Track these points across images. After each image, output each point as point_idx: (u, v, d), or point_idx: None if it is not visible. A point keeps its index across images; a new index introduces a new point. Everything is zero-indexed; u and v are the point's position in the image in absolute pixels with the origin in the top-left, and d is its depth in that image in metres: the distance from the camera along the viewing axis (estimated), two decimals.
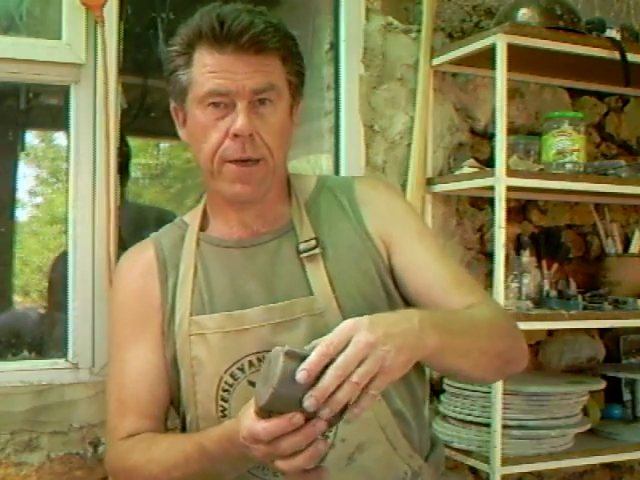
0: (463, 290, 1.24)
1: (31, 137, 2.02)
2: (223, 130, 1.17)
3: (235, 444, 0.98)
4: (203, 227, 1.31)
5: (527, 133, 2.18)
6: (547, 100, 2.26)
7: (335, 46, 2.03)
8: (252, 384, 1.16)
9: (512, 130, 2.08)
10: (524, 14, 1.93)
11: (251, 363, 1.19)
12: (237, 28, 1.14)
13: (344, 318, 1.14)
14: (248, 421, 0.93)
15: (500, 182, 1.79)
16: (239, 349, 1.20)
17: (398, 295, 1.26)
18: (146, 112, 2.12)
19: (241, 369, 1.20)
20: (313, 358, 0.88)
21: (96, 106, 1.71)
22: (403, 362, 0.92)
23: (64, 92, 1.75)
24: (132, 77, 1.93)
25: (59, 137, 2.00)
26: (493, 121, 1.91)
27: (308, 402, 0.87)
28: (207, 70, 1.17)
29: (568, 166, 1.92)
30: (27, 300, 2.06)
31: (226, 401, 1.20)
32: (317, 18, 2.10)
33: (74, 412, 1.70)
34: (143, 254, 1.32)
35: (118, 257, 1.74)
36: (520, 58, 1.88)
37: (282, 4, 2.21)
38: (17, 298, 2.04)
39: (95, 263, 1.71)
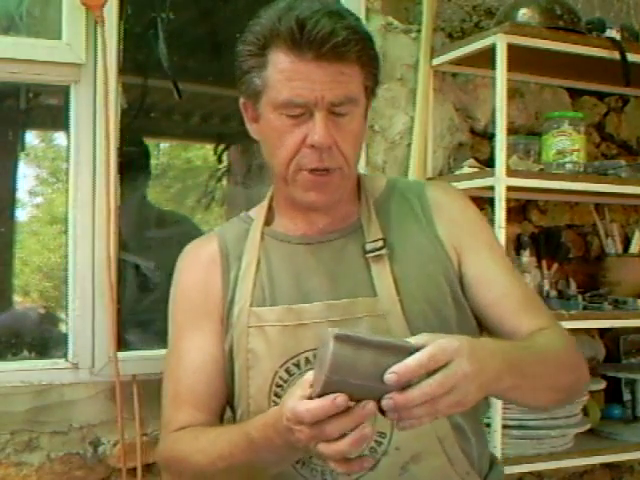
0: (531, 312, 1.21)
1: (31, 137, 2.02)
2: (300, 137, 1.14)
3: (279, 430, 0.97)
4: (268, 222, 1.29)
5: (527, 133, 2.18)
6: (547, 100, 2.26)
7: None
8: None
9: (512, 130, 2.08)
10: (524, 14, 1.93)
11: (307, 360, 1.17)
12: (318, 35, 1.09)
13: (407, 322, 1.15)
14: (292, 402, 0.92)
15: (500, 182, 1.79)
16: (297, 344, 1.17)
17: (467, 304, 1.23)
18: (146, 112, 2.12)
19: (297, 365, 1.17)
20: (411, 365, 0.86)
21: (96, 106, 1.71)
22: (478, 399, 0.93)
23: (64, 92, 1.75)
24: (132, 77, 1.93)
25: (59, 137, 2.00)
26: (493, 121, 1.91)
27: (386, 403, 0.87)
28: (284, 76, 1.12)
29: (568, 166, 1.92)
30: (27, 300, 2.06)
31: (279, 397, 1.17)
32: None
33: (74, 412, 1.70)
34: (206, 247, 1.31)
35: (118, 257, 1.75)
36: (520, 58, 1.88)
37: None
38: (17, 298, 2.04)
39: (95, 263, 1.71)
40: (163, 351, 1.83)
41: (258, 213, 1.32)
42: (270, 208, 1.31)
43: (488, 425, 1.81)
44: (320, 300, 1.19)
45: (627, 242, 2.28)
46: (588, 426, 1.98)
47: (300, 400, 0.91)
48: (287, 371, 1.17)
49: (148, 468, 1.76)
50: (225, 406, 1.28)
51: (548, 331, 1.18)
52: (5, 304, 1.96)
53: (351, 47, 1.11)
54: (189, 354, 1.26)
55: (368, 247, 1.21)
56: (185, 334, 1.27)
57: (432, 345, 0.88)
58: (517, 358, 1.03)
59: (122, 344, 1.74)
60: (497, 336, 1.21)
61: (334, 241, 1.24)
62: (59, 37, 1.70)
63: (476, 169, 1.99)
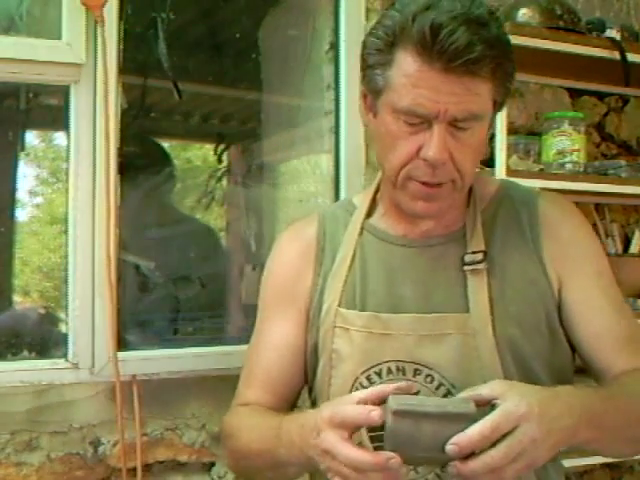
0: (631, 350, 1.14)
1: (31, 137, 2.02)
2: (414, 147, 1.08)
3: (303, 434, 0.98)
4: (369, 213, 1.24)
5: (527, 133, 2.18)
6: (547, 100, 2.26)
7: (335, 46, 2.03)
8: None
9: (512, 130, 2.07)
10: (524, 14, 1.93)
11: (389, 370, 1.13)
12: (451, 47, 1.00)
13: (497, 345, 1.10)
14: (332, 436, 0.94)
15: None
16: (380, 353, 1.14)
17: (563, 334, 1.17)
18: (146, 112, 2.12)
19: (378, 374, 1.14)
20: (474, 437, 0.86)
21: (96, 106, 1.71)
22: (550, 457, 0.92)
23: (64, 92, 1.75)
24: (132, 77, 1.93)
25: (59, 137, 2.00)
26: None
27: (450, 471, 0.87)
28: (409, 82, 1.05)
29: (568, 166, 1.92)
30: (27, 300, 2.06)
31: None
32: (317, 18, 2.10)
33: (74, 412, 1.70)
34: (306, 231, 1.28)
35: (118, 257, 1.75)
36: (520, 58, 1.86)
37: (282, 4, 2.21)
38: (17, 298, 2.04)
39: (95, 263, 1.71)
40: (163, 351, 1.84)
41: (362, 202, 1.26)
42: (374, 199, 1.25)
43: None
44: (410, 310, 1.14)
45: (627, 242, 2.28)
46: None
47: (344, 442, 0.93)
48: (368, 378, 1.14)
49: (148, 468, 1.76)
50: (297, 394, 1.27)
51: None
52: (5, 304, 1.96)
53: (485, 64, 1.04)
54: (269, 337, 1.25)
55: (467, 259, 1.14)
56: (269, 316, 1.27)
57: (496, 413, 0.87)
58: (596, 410, 0.99)
59: (122, 344, 1.74)
60: (589, 370, 1.17)
61: (434, 247, 1.18)
62: (59, 37, 1.70)
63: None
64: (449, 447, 0.85)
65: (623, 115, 2.38)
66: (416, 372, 1.12)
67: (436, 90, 1.03)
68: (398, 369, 1.13)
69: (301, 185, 2.21)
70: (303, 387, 1.28)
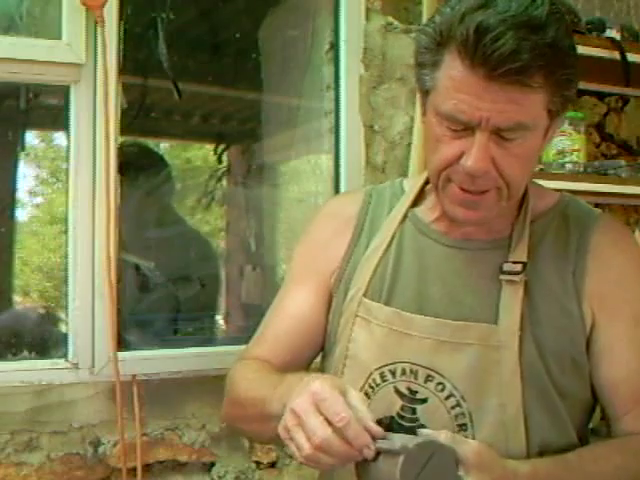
0: None
1: (31, 137, 2.02)
2: (456, 152, 1.03)
3: (296, 387, 0.97)
4: (417, 201, 1.20)
5: None
6: None
7: (335, 46, 2.03)
8: (398, 392, 1.11)
9: None
10: None
11: (404, 371, 1.11)
12: (495, 53, 0.94)
13: (520, 364, 1.07)
14: (311, 406, 0.92)
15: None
16: (398, 351, 1.11)
17: (587, 372, 1.12)
18: (146, 112, 2.12)
19: (392, 372, 1.12)
20: None
21: (96, 106, 1.71)
22: None
23: (64, 92, 1.75)
24: (132, 77, 1.93)
25: (59, 137, 2.00)
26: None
27: None
28: (452, 85, 1.00)
29: (568, 166, 1.92)
30: (27, 300, 2.06)
31: (369, 398, 1.12)
32: (317, 18, 2.10)
33: (74, 412, 1.70)
34: (349, 206, 1.25)
35: (118, 257, 1.75)
36: None
37: (282, 4, 2.21)
38: (17, 298, 2.04)
39: (95, 263, 1.71)
40: (163, 351, 1.84)
41: (411, 188, 1.22)
42: (422, 189, 1.21)
43: None
44: (435, 313, 1.11)
45: None
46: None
47: (318, 414, 0.91)
48: (381, 375, 1.12)
49: (148, 468, 1.76)
50: (301, 368, 1.22)
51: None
52: (5, 304, 1.96)
53: (534, 72, 0.96)
54: (287, 304, 1.24)
55: (506, 267, 1.09)
56: (293, 283, 1.26)
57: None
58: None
59: (122, 344, 1.74)
60: (603, 413, 1.16)
61: (474, 251, 1.14)
62: (59, 37, 1.70)
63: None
64: None
65: (623, 115, 2.38)
66: (428, 378, 1.10)
67: (478, 97, 0.98)
68: (412, 371, 1.10)
69: (301, 185, 2.21)
70: (310, 362, 1.26)
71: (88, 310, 1.71)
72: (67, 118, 1.74)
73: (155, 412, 1.75)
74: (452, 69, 1.00)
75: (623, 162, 2.11)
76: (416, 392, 1.10)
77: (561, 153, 1.93)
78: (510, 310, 1.08)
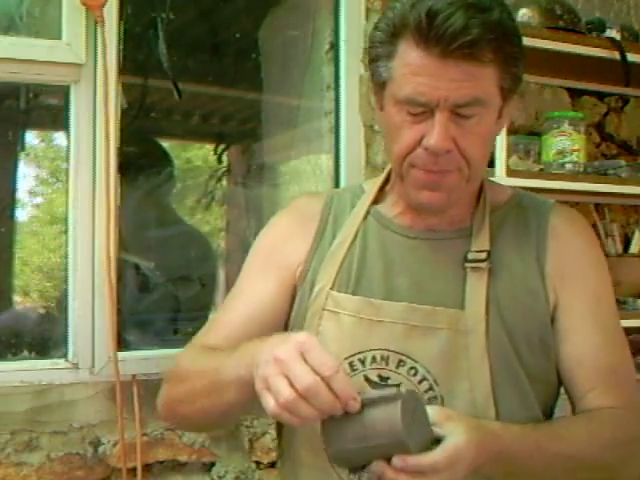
0: (606, 386, 1.11)
1: (31, 137, 2.02)
2: (417, 136, 1.06)
3: (262, 345, 0.94)
4: (377, 199, 1.22)
5: (527, 133, 2.18)
6: (547, 100, 2.26)
7: (335, 46, 2.03)
8: (368, 381, 1.11)
9: (512, 130, 2.07)
10: (524, 14, 1.93)
11: (374, 358, 1.11)
12: (447, 31, 1.00)
13: (489, 349, 1.08)
14: (296, 353, 0.89)
15: (500, 182, 1.79)
16: (367, 340, 1.12)
17: (552, 350, 1.14)
18: (146, 112, 2.12)
19: (362, 361, 1.12)
20: (422, 464, 0.90)
21: (96, 106, 1.71)
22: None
23: (64, 92, 1.75)
24: (132, 77, 1.93)
25: (59, 137, 2.00)
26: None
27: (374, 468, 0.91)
28: (409, 71, 1.05)
29: (568, 166, 1.92)
30: (27, 300, 2.06)
31: None
32: (317, 18, 2.10)
33: (74, 412, 1.70)
34: (313, 204, 1.25)
35: (118, 257, 1.75)
36: None
37: (282, 4, 2.22)
38: (17, 298, 2.04)
39: (95, 263, 1.71)
40: (163, 351, 1.84)
41: (371, 187, 1.25)
42: (382, 188, 1.24)
43: None
44: (403, 300, 1.12)
45: (627, 242, 2.28)
46: None
47: (303, 361, 0.88)
48: (351, 365, 1.12)
49: (148, 468, 1.76)
50: None
51: (606, 414, 1.09)
52: (5, 304, 1.96)
53: (484, 46, 1.02)
54: (246, 293, 1.21)
55: (470, 256, 1.12)
56: (252, 275, 1.23)
57: (439, 453, 0.92)
58: (526, 455, 1.02)
59: (122, 344, 1.74)
60: (566, 393, 1.16)
61: (438, 241, 1.16)
62: (59, 37, 1.70)
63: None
64: (395, 460, 0.90)
65: (623, 115, 2.38)
66: (400, 363, 1.10)
67: (435, 77, 1.03)
68: (382, 358, 1.11)
69: (301, 185, 2.21)
70: None
71: (88, 310, 1.72)
72: (67, 118, 1.74)
73: (155, 412, 1.74)
74: (407, 55, 1.05)
75: (623, 162, 2.11)
76: (388, 378, 1.10)
77: (561, 153, 1.93)
78: (476, 296, 1.10)
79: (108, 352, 1.69)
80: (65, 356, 1.73)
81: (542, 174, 1.91)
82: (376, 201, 1.23)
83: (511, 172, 1.82)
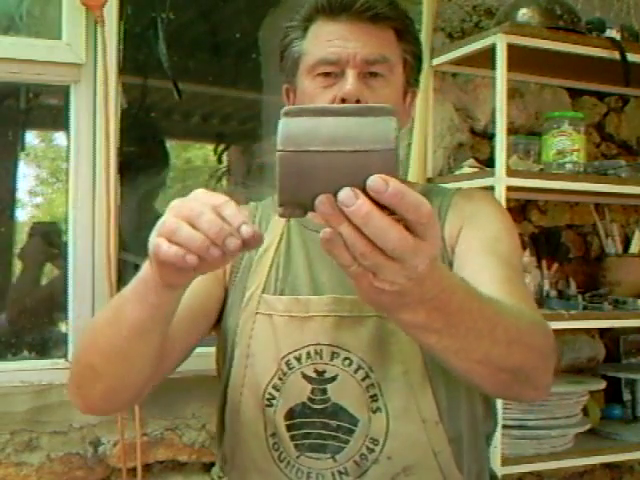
0: (505, 293, 1.00)
1: (31, 137, 2.02)
2: (330, 97, 1.12)
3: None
4: None
5: (527, 133, 2.18)
6: (547, 100, 2.26)
7: None
8: (305, 377, 1.12)
9: (512, 130, 2.08)
10: (524, 14, 1.93)
11: (308, 354, 1.12)
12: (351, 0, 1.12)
13: None
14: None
15: (500, 182, 1.79)
16: (301, 337, 1.13)
17: None
18: (146, 112, 2.12)
19: (298, 359, 1.12)
20: (411, 196, 0.65)
21: (96, 106, 1.71)
22: (399, 302, 0.73)
23: (64, 92, 1.75)
24: (132, 77, 1.93)
25: (59, 137, 2.00)
26: (493, 121, 1.91)
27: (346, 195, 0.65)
28: (319, 39, 1.15)
29: (568, 166, 1.92)
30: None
31: (278, 390, 1.13)
32: None
33: (74, 412, 1.70)
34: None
35: (118, 257, 1.75)
36: (520, 58, 1.88)
37: (282, 4, 2.21)
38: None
39: (95, 263, 1.71)
40: None
41: None
42: None
43: None
44: (329, 293, 1.14)
45: (627, 242, 2.28)
46: (588, 426, 1.98)
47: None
48: (287, 364, 1.13)
49: (148, 468, 1.76)
50: (176, 357, 1.13)
51: (521, 306, 0.99)
52: (5, 304, 1.96)
53: (384, 7, 1.13)
54: None
55: None
56: None
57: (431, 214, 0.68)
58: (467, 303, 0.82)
59: None
60: None
61: None
62: (59, 37, 1.70)
63: (476, 169, 1.99)
64: (373, 177, 0.64)
65: (623, 115, 2.38)
66: (333, 355, 1.11)
67: (344, 39, 1.12)
68: (316, 352, 1.11)
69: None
70: (184, 354, 1.16)
71: (88, 310, 1.72)
72: (67, 118, 1.74)
73: (155, 412, 1.75)
74: (319, 29, 1.15)
75: (623, 162, 2.11)
76: (324, 372, 1.11)
77: (561, 153, 1.93)
78: None
79: None
80: (65, 356, 1.73)
81: (542, 174, 1.91)
82: None
83: (511, 172, 1.82)
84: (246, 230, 0.75)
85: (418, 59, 1.21)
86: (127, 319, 0.91)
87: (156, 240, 0.79)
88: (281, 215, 0.70)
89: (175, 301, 0.91)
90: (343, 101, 1.10)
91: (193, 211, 0.78)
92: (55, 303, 1.87)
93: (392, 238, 0.66)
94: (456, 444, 1.13)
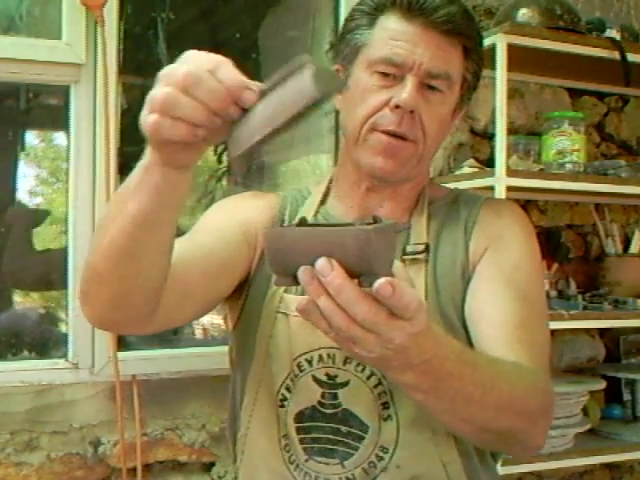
0: (510, 340, 1.04)
1: (31, 137, 2.02)
2: (384, 98, 1.09)
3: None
4: (324, 200, 1.23)
5: (527, 133, 2.18)
6: (547, 100, 2.26)
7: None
8: (316, 380, 1.10)
9: (512, 130, 2.07)
10: (524, 14, 1.93)
11: (320, 357, 1.10)
12: (432, 4, 1.07)
13: None
14: None
15: (500, 182, 1.79)
16: (314, 339, 1.10)
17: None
18: None
19: (309, 361, 1.11)
20: (397, 286, 0.70)
21: (96, 106, 1.71)
22: (382, 365, 0.79)
23: (64, 92, 1.75)
24: (132, 77, 1.93)
25: (59, 137, 2.00)
26: (493, 121, 1.91)
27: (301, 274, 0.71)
28: (388, 35, 1.09)
29: (568, 166, 1.92)
30: (27, 300, 2.06)
31: (290, 391, 1.11)
32: (317, 18, 2.10)
33: (74, 412, 1.70)
34: (267, 196, 1.25)
35: None
36: (520, 58, 1.88)
37: (282, 4, 2.21)
38: (17, 298, 2.04)
39: None
40: (163, 351, 1.84)
41: (316, 189, 1.25)
42: (328, 189, 1.24)
43: None
44: None
45: (627, 242, 2.28)
46: (588, 426, 1.98)
47: None
48: (299, 365, 1.11)
49: (148, 468, 1.76)
50: (197, 300, 1.07)
51: (524, 365, 1.01)
52: (5, 304, 1.96)
53: (462, 22, 1.10)
54: (199, 230, 1.13)
55: (409, 249, 1.14)
56: (207, 225, 1.15)
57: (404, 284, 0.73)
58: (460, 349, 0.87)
59: (122, 344, 1.74)
60: None
61: None
62: (59, 37, 1.70)
63: (476, 169, 1.99)
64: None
65: (623, 115, 2.38)
66: (347, 360, 1.09)
67: (413, 43, 1.08)
68: (329, 356, 1.10)
69: (301, 185, 2.21)
70: (204, 301, 1.09)
71: None
72: (67, 118, 1.74)
73: (155, 412, 1.76)
74: (389, 24, 1.10)
75: (623, 162, 2.11)
76: (336, 376, 1.10)
77: (561, 153, 1.93)
78: (415, 287, 1.07)
79: (108, 352, 1.69)
80: (65, 356, 1.73)
81: (542, 174, 1.91)
82: (323, 201, 1.23)
83: (511, 172, 1.82)
84: (249, 97, 0.72)
85: (477, 78, 1.18)
86: (131, 212, 0.83)
87: (154, 118, 0.72)
88: (276, 284, 0.76)
89: (182, 184, 0.83)
90: (397, 107, 1.07)
91: (188, 78, 0.71)
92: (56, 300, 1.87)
93: (361, 310, 0.70)
94: (467, 457, 1.11)
